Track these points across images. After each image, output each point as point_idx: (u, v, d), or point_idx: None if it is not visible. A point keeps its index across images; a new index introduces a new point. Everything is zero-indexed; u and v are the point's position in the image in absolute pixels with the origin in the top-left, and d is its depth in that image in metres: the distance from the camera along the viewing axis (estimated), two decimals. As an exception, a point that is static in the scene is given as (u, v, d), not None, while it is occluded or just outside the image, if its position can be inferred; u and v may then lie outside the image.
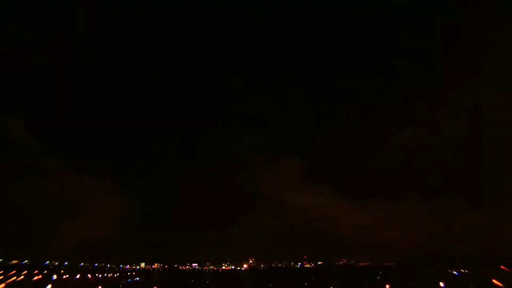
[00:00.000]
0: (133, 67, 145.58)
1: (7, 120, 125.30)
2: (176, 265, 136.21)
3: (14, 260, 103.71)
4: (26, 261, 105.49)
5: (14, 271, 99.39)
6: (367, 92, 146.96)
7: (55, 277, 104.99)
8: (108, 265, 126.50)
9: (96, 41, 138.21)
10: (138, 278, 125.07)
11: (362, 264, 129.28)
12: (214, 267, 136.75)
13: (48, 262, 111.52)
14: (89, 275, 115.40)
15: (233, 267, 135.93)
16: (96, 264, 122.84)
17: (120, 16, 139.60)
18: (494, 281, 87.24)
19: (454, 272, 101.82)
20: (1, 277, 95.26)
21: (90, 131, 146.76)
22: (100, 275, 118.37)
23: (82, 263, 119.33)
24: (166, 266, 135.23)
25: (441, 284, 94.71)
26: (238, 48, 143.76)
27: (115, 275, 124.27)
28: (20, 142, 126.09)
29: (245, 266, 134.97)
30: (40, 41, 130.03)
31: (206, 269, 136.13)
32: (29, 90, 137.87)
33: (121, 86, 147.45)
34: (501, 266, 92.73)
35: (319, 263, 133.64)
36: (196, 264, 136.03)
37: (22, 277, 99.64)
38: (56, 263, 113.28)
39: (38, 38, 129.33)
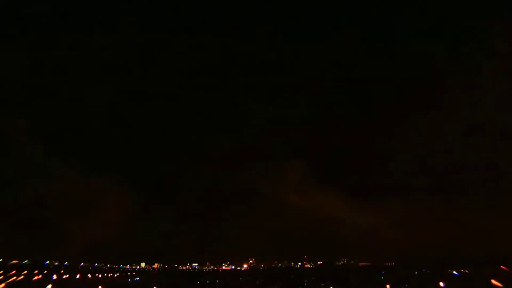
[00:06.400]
0: (135, 68, 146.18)
1: (12, 122, 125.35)
2: (176, 265, 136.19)
3: (14, 260, 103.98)
4: (26, 261, 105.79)
5: (14, 271, 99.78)
6: (369, 91, 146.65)
7: (55, 277, 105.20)
8: (108, 265, 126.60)
9: (99, 41, 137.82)
10: (138, 278, 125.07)
11: (362, 264, 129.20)
12: (214, 267, 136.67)
13: (48, 262, 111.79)
14: (89, 275, 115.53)
15: (233, 267, 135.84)
16: (96, 264, 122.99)
17: (122, 18, 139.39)
18: (493, 281, 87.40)
19: (454, 272, 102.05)
20: (1, 277, 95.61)
21: (90, 131, 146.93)
22: (100, 275, 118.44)
23: (82, 263, 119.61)
24: (166, 266, 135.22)
25: (441, 284, 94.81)
26: (240, 47, 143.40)
27: (115, 275, 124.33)
28: (21, 142, 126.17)
29: (245, 266, 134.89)
30: (42, 42, 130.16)
31: (206, 269, 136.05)
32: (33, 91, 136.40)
33: (123, 87, 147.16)
34: (501, 266, 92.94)
35: (319, 263, 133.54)
36: (196, 264, 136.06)
37: (22, 277, 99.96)
38: (56, 263, 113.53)
39: (40, 39, 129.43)
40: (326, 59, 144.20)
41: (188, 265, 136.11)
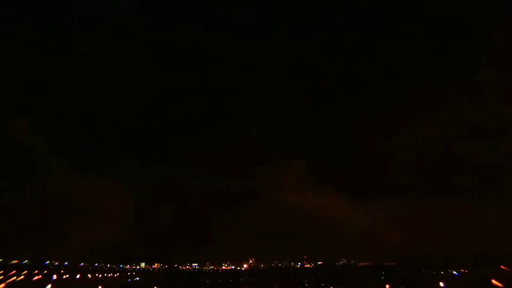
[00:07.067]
0: (135, 68, 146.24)
1: (12, 122, 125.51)
2: (176, 265, 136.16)
3: (14, 260, 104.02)
4: (26, 261, 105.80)
5: (14, 271, 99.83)
6: (369, 92, 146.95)
7: (55, 277, 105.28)
8: (108, 265, 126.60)
9: (100, 42, 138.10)
10: (138, 278, 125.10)
11: (362, 264, 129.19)
12: (214, 267, 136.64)
13: (48, 262, 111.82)
14: (89, 275, 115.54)
15: (233, 267, 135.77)
16: (96, 264, 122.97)
17: (122, 18, 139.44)
18: (494, 281, 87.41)
19: (454, 272, 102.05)
20: (1, 277, 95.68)
21: (90, 132, 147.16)
22: (100, 275, 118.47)
23: (82, 263, 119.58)
24: (166, 266, 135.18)
25: (441, 284, 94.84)
26: (240, 47, 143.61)
27: (115, 275, 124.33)
28: (21, 142, 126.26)
29: (245, 266, 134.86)
30: (43, 42, 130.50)
31: (206, 269, 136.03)
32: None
33: (123, 87, 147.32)
34: (501, 266, 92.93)
35: (319, 263, 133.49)
36: (196, 264, 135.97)
37: (22, 277, 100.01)
38: (56, 263, 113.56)
39: (42, 40, 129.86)
40: (326, 59, 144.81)
41: (188, 265, 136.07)
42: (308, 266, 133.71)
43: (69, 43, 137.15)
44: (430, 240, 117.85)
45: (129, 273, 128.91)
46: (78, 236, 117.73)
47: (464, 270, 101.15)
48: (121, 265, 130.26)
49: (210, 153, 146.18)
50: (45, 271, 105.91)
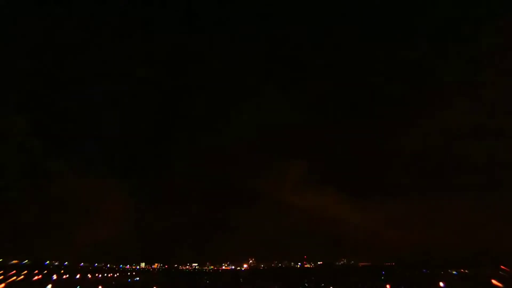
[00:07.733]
0: (135, 69, 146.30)
1: (12, 122, 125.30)
2: (176, 265, 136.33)
3: (14, 260, 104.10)
4: (26, 261, 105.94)
5: (14, 271, 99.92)
6: (369, 92, 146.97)
7: (55, 277, 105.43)
8: (108, 265, 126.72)
9: (99, 42, 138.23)
10: (138, 278, 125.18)
11: (362, 264, 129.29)
12: (214, 267, 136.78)
13: (48, 262, 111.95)
14: (89, 275, 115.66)
15: (233, 267, 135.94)
16: (96, 264, 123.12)
17: (123, 20, 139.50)
18: (494, 281, 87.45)
19: (454, 272, 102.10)
20: (1, 277, 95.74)
21: (90, 132, 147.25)
22: (100, 275, 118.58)
23: (82, 263, 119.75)
24: (166, 266, 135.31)
25: (441, 284, 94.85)
26: (240, 48, 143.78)
27: (115, 275, 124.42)
28: (21, 142, 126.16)
29: (245, 266, 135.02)
30: (43, 42, 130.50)
31: (206, 269, 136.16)
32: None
33: (123, 87, 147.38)
34: (501, 266, 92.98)
35: (319, 263, 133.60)
36: (196, 264, 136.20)
37: (22, 277, 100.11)
38: (56, 263, 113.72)
39: (42, 40, 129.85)
40: (326, 59, 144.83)
41: (188, 265, 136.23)
42: (308, 266, 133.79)
43: (69, 43, 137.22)
44: (430, 240, 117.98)
45: (129, 273, 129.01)
46: (78, 236, 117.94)
47: (464, 270, 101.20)
48: (121, 265, 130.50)
49: (211, 153, 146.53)
50: (45, 271, 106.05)
